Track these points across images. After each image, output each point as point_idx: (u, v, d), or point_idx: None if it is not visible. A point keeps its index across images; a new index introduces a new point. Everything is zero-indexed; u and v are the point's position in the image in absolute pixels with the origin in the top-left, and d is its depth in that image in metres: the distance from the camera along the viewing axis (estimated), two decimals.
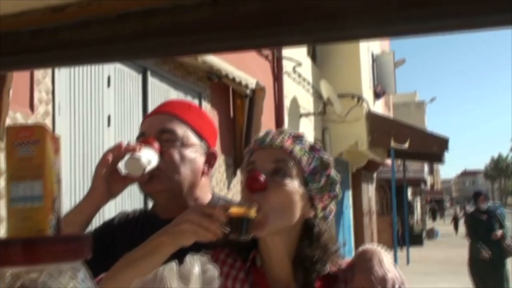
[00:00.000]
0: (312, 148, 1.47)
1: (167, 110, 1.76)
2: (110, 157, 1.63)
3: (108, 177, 1.64)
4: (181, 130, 1.72)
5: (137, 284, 0.90)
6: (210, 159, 1.80)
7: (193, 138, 1.75)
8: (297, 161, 1.41)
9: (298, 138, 1.48)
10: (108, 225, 1.85)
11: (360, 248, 1.47)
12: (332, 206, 1.50)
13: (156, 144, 1.65)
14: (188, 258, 0.92)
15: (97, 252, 1.71)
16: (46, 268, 0.58)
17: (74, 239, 0.61)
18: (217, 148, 6.39)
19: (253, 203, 1.33)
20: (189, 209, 1.35)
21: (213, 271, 0.92)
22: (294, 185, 1.39)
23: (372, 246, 1.46)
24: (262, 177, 1.36)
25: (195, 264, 0.90)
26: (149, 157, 1.60)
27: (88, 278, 0.62)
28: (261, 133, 1.52)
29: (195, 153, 1.73)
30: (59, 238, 0.62)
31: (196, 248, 1.40)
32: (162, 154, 1.66)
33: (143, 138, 1.69)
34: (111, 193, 1.67)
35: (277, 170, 1.40)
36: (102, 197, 1.65)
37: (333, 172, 1.48)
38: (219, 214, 1.31)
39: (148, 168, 1.59)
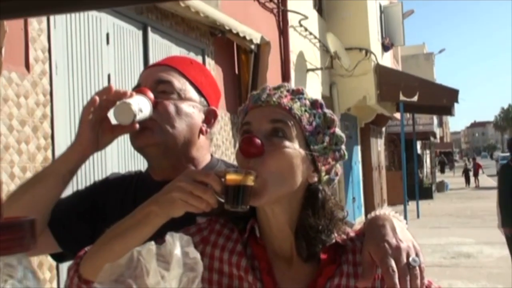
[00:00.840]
0: (314, 105, 1.31)
1: (166, 63, 1.64)
2: (97, 99, 1.48)
3: (96, 125, 1.51)
4: (179, 83, 1.58)
5: (109, 269, 0.77)
6: (210, 117, 1.64)
7: (191, 93, 1.60)
8: (297, 119, 1.25)
9: (297, 93, 1.31)
10: (99, 186, 1.72)
11: (371, 215, 1.32)
12: (338, 168, 1.35)
13: (150, 94, 1.51)
14: (169, 238, 0.79)
15: (85, 213, 1.59)
16: None
17: (11, 227, 0.48)
18: (222, 105, 6.28)
19: (251, 169, 1.18)
20: (181, 175, 1.20)
21: (196, 253, 0.79)
22: (294, 147, 1.23)
23: (384, 211, 1.32)
24: (258, 141, 1.20)
25: (177, 245, 0.77)
26: (141, 104, 1.46)
27: (31, 276, 0.49)
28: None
29: (193, 108, 1.59)
30: None
31: (189, 219, 1.27)
32: (156, 105, 1.52)
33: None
34: (99, 143, 1.53)
35: (275, 131, 1.23)
36: (88, 145, 1.51)
37: (337, 130, 1.32)
38: (213, 182, 1.17)
39: (139, 116, 1.45)
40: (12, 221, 0.49)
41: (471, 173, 33.17)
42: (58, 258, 1.70)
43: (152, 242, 0.81)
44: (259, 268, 1.26)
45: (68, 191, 1.62)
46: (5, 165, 3.44)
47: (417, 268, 1.16)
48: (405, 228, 1.26)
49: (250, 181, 1.16)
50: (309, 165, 1.26)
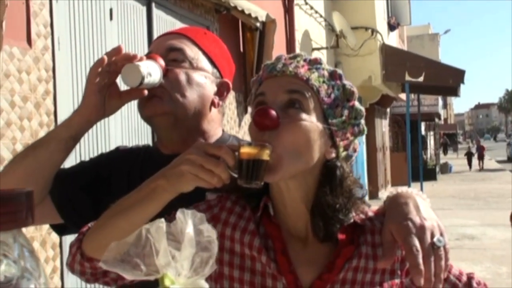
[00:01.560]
0: (332, 75, 1.22)
1: (179, 31, 1.58)
2: (105, 58, 1.41)
3: (103, 90, 1.44)
4: (191, 51, 1.51)
5: (114, 248, 0.71)
6: (223, 90, 1.58)
7: (204, 62, 1.53)
8: (315, 91, 1.17)
9: (315, 63, 1.23)
10: (105, 157, 1.65)
11: (392, 192, 1.25)
12: (356, 144, 1.26)
13: (161, 61, 1.44)
14: (180, 215, 0.72)
15: (89, 185, 1.50)
16: None
17: (6, 199, 0.42)
18: None
19: (266, 143, 1.10)
20: (191, 147, 1.12)
21: (211, 231, 0.72)
22: (311, 120, 1.15)
23: (407, 189, 1.25)
24: (273, 112, 1.12)
25: (189, 223, 0.71)
26: (150, 68, 1.39)
27: (28, 255, 0.43)
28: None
29: (205, 79, 1.52)
30: None
31: (199, 195, 1.21)
32: (166, 72, 1.45)
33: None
34: (106, 109, 1.46)
35: (291, 103, 1.16)
36: (94, 109, 1.44)
37: (357, 103, 1.24)
38: (226, 155, 1.08)
39: (148, 80, 1.38)
40: (5, 193, 0.43)
41: (474, 157, 32.32)
42: (59, 230, 1.64)
43: (162, 220, 0.74)
44: (273, 248, 1.19)
45: (71, 163, 1.57)
46: (7, 141, 3.38)
47: (442, 248, 1.09)
48: (428, 207, 1.20)
49: (265, 155, 1.08)
50: (327, 140, 1.19)
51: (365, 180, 15.55)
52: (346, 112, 1.21)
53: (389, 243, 1.13)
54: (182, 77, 1.47)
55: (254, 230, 1.19)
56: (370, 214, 1.25)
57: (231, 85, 1.61)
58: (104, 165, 1.59)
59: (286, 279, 1.16)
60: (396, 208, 1.17)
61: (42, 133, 3.64)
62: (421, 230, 1.10)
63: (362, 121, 1.25)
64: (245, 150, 1.09)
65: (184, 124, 1.49)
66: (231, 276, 1.19)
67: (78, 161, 1.73)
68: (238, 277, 1.18)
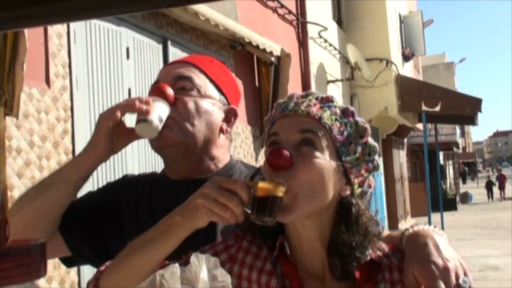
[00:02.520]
0: (344, 113, 1.23)
1: (186, 60, 1.60)
2: (119, 114, 1.42)
3: (112, 132, 1.45)
4: (199, 79, 1.52)
5: None
6: (230, 116, 1.58)
7: (211, 90, 1.54)
8: (328, 129, 1.18)
9: (327, 101, 1.23)
10: (113, 185, 1.65)
11: (408, 230, 1.23)
12: (371, 180, 1.26)
13: (169, 91, 1.45)
14: (194, 259, 0.72)
15: (98, 216, 1.50)
16: None
17: (15, 252, 0.42)
18: (243, 118, 6.26)
19: (281, 180, 1.10)
20: (207, 182, 1.12)
21: (225, 276, 0.72)
22: (325, 158, 1.15)
23: (424, 227, 1.23)
24: (287, 152, 1.13)
25: (203, 267, 0.70)
26: (160, 113, 1.40)
27: None
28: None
29: (213, 106, 1.52)
30: None
31: (212, 233, 1.20)
32: (175, 102, 1.46)
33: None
34: (114, 148, 1.47)
35: (304, 142, 1.16)
36: (104, 153, 1.45)
37: (370, 140, 1.24)
38: (240, 190, 1.08)
39: (162, 124, 1.40)
40: (20, 246, 0.43)
41: (494, 186, 30.27)
42: (67, 262, 1.64)
43: (177, 265, 0.74)
44: None
45: (84, 190, 1.58)
46: (26, 180, 3.41)
47: None
48: (448, 244, 1.18)
49: (280, 192, 1.08)
50: (341, 178, 1.19)
51: (384, 212, 15.39)
52: (359, 149, 1.21)
53: (413, 286, 1.11)
54: (191, 105, 1.48)
55: (271, 270, 1.18)
56: (387, 250, 1.23)
57: (238, 111, 1.62)
58: (112, 193, 1.60)
59: None
60: (416, 249, 1.15)
61: None
62: (445, 272, 1.08)
63: (376, 157, 1.25)
64: (260, 186, 1.08)
65: (194, 152, 1.49)
66: None
67: (91, 186, 1.74)
68: None
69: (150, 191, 1.56)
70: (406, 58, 15.24)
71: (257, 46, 6.36)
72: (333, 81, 10.68)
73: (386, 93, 12.58)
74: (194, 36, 5.61)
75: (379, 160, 1.27)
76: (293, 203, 1.12)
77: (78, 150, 3.84)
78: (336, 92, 10.96)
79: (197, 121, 1.48)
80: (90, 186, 1.81)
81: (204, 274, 0.71)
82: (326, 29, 9.76)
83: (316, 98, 1.24)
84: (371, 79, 11.86)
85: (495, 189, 30.14)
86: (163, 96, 1.44)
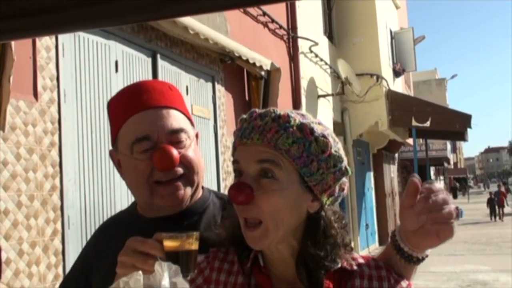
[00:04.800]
0: (302, 131, 1.19)
1: (164, 104, 1.46)
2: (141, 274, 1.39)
3: None
4: (186, 124, 1.47)
5: None
6: (197, 139, 1.55)
7: (189, 127, 1.49)
8: (285, 155, 1.17)
9: (283, 122, 1.20)
10: (91, 246, 1.60)
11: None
12: (344, 183, 1.25)
13: (174, 152, 1.39)
14: (157, 267, 0.74)
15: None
16: None
17: None
18: (233, 132, 6.26)
19: (247, 216, 1.16)
20: (124, 247, 1.16)
21: (185, 283, 0.74)
22: (286, 185, 1.16)
23: None
24: (247, 187, 1.16)
25: (164, 275, 0.72)
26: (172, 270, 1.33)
27: None
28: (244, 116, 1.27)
29: (196, 144, 1.49)
30: None
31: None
32: (181, 159, 1.40)
33: (151, 148, 1.39)
34: None
35: (263, 173, 1.17)
36: None
37: (334, 151, 1.21)
38: (152, 250, 1.12)
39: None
40: None
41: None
42: None
43: (140, 272, 0.76)
44: None
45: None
46: (12, 193, 3.41)
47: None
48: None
49: (191, 244, 1.10)
50: (307, 196, 1.20)
51: (374, 226, 15.42)
52: (323, 164, 1.20)
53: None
54: (194, 158, 1.45)
55: (243, 283, 1.22)
56: (360, 260, 1.25)
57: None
58: (90, 258, 1.55)
59: None
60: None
61: (47, 185, 3.67)
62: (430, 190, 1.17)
63: (343, 164, 1.24)
64: (168, 243, 1.10)
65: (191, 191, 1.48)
66: None
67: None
68: None
69: (125, 234, 1.39)
70: (397, 73, 15.35)
71: (247, 60, 6.39)
72: (323, 96, 10.74)
73: (377, 108, 12.66)
74: (184, 50, 5.64)
75: (347, 163, 1.26)
76: (263, 235, 1.16)
77: (65, 162, 3.86)
78: (327, 106, 11.02)
79: (199, 168, 1.46)
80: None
81: (165, 282, 0.74)
82: (317, 44, 9.83)
83: (273, 119, 1.21)
84: (362, 94, 11.93)
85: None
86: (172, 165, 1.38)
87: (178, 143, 1.41)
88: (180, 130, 1.43)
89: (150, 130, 1.40)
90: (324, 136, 1.21)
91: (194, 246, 1.10)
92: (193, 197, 1.49)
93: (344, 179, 1.25)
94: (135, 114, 1.42)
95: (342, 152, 1.25)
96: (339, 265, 1.21)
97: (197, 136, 1.54)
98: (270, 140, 1.18)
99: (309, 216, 1.21)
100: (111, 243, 1.42)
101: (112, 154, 1.50)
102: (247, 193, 1.15)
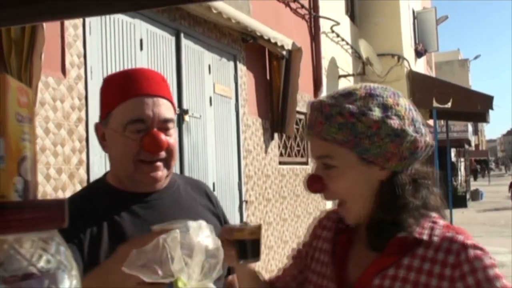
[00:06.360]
0: (345, 116, 1.27)
1: (158, 93, 1.59)
2: None
3: None
4: (173, 115, 1.63)
5: (136, 254, 0.81)
6: None
7: (175, 117, 1.66)
8: (336, 142, 1.28)
9: (326, 111, 1.29)
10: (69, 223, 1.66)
11: None
12: (415, 143, 1.28)
13: (164, 142, 1.54)
14: (192, 226, 0.83)
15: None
16: (10, 239, 0.50)
17: (45, 206, 0.53)
18: (254, 111, 6.31)
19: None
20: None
21: (218, 240, 0.83)
22: (347, 168, 1.29)
23: None
24: (317, 180, 1.35)
25: (199, 233, 0.82)
26: None
27: (63, 251, 0.54)
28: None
29: (176, 132, 1.68)
30: (26, 204, 0.53)
31: None
32: (168, 146, 1.56)
33: (143, 131, 1.52)
34: None
35: (324, 165, 1.33)
36: None
37: (383, 123, 1.25)
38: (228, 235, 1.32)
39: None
40: (46, 201, 0.54)
41: None
42: None
43: (177, 230, 0.85)
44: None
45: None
46: (41, 166, 3.54)
47: None
48: None
49: (256, 235, 1.33)
50: (373, 168, 1.30)
51: None
52: (375, 138, 1.26)
53: None
54: (176, 146, 1.62)
55: (330, 238, 1.44)
56: (437, 229, 1.29)
57: None
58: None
59: (337, 279, 1.35)
60: None
61: (74, 159, 3.80)
62: None
63: (400, 128, 1.27)
64: (236, 234, 1.30)
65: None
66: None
67: None
68: (312, 269, 1.46)
69: (109, 205, 1.55)
70: (418, 54, 15.26)
71: (268, 40, 6.44)
72: (344, 76, 10.75)
73: (398, 89, 12.00)
74: (207, 29, 5.71)
75: (418, 122, 1.34)
76: (345, 212, 1.35)
77: (92, 137, 3.96)
78: None
79: (176, 156, 1.64)
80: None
81: (200, 238, 0.82)
82: (338, 23, 9.82)
83: (320, 111, 1.31)
84: (383, 74, 11.91)
85: None
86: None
87: (166, 131, 1.56)
88: (170, 120, 1.58)
89: (145, 115, 1.54)
90: (362, 113, 1.27)
91: (257, 236, 1.32)
92: (166, 179, 1.63)
93: (413, 139, 1.28)
94: (135, 97, 1.55)
95: (392, 121, 1.27)
96: (409, 231, 1.26)
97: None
98: (318, 134, 1.32)
99: (382, 183, 1.31)
100: (85, 212, 1.50)
101: (98, 127, 1.66)
102: (319, 184, 1.33)
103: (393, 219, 1.26)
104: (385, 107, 1.29)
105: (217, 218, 1.72)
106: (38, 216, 0.52)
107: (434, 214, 1.31)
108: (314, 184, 1.34)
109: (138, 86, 1.56)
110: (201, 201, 1.72)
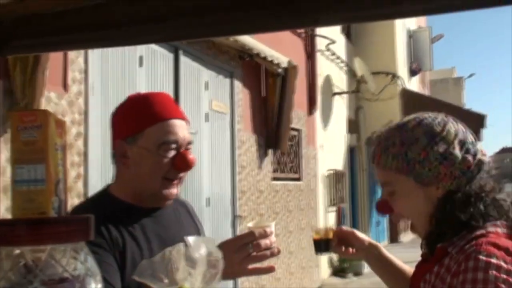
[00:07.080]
0: (395, 146, 1.47)
1: (182, 116, 1.71)
2: None
3: None
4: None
5: (146, 264, 0.92)
6: None
7: None
8: (393, 170, 1.46)
9: (383, 144, 1.50)
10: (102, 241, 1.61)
11: None
12: (465, 162, 1.41)
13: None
14: (195, 240, 0.94)
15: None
16: (49, 248, 0.60)
17: (76, 221, 0.63)
18: (249, 128, 6.41)
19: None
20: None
21: (218, 253, 0.93)
22: (407, 193, 1.46)
23: None
24: (386, 204, 1.52)
25: (202, 246, 0.92)
26: None
27: (90, 259, 0.64)
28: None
29: None
30: (61, 219, 0.64)
31: None
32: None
33: (174, 151, 1.63)
34: None
35: (388, 193, 1.50)
36: None
37: (430, 148, 1.42)
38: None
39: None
40: (76, 217, 0.65)
41: None
42: None
43: (182, 244, 0.95)
44: None
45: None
46: None
47: None
48: None
49: (329, 235, 1.77)
50: (430, 188, 1.44)
51: (384, 223, 15.54)
52: (425, 163, 1.42)
53: None
54: None
55: None
56: (465, 243, 1.36)
57: None
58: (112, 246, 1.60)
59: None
60: None
61: (72, 173, 3.89)
62: None
63: (448, 148, 1.42)
64: (314, 235, 1.80)
65: None
66: None
67: None
68: None
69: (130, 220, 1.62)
70: (413, 72, 15.43)
71: (265, 58, 6.57)
72: (339, 93, 10.89)
73: (391, 107, 12.77)
74: (205, 47, 5.83)
75: (469, 140, 1.45)
76: (415, 229, 1.55)
77: (91, 152, 4.06)
78: (342, 104, 11.16)
79: None
80: None
81: (202, 251, 0.93)
82: (334, 42, 9.96)
83: (378, 143, 1.53)
84: (376, 92, 12.05)
85: None
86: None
87: (187, 151, 1.67)
88: (191, 142, 1.70)
89: (179, 137, 1.65)
90: (411, 143, 1.45)
91: (330, 236, 1.74)
92: None
93: (466, 155, 1.42)
94: (169, 120, 1.64)
95: (440, 146, 1.43)
96: (446, 242, 1.38)
97: None
98: (378, 164, 1.51)
99: (439, 200, 1.43)
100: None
101: (119, 145, 1.66)
102: (387, 208, 1.53)
103: (438, 232, 1.42)
104: (432, 135, 1.44)
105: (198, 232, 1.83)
106: (71, 230, 0.62)
107: (491, 228, 1.36)
108: (382, 208, 1.55)
109: (169, 110, 1.67)
110: (188, 217, 1.85)
